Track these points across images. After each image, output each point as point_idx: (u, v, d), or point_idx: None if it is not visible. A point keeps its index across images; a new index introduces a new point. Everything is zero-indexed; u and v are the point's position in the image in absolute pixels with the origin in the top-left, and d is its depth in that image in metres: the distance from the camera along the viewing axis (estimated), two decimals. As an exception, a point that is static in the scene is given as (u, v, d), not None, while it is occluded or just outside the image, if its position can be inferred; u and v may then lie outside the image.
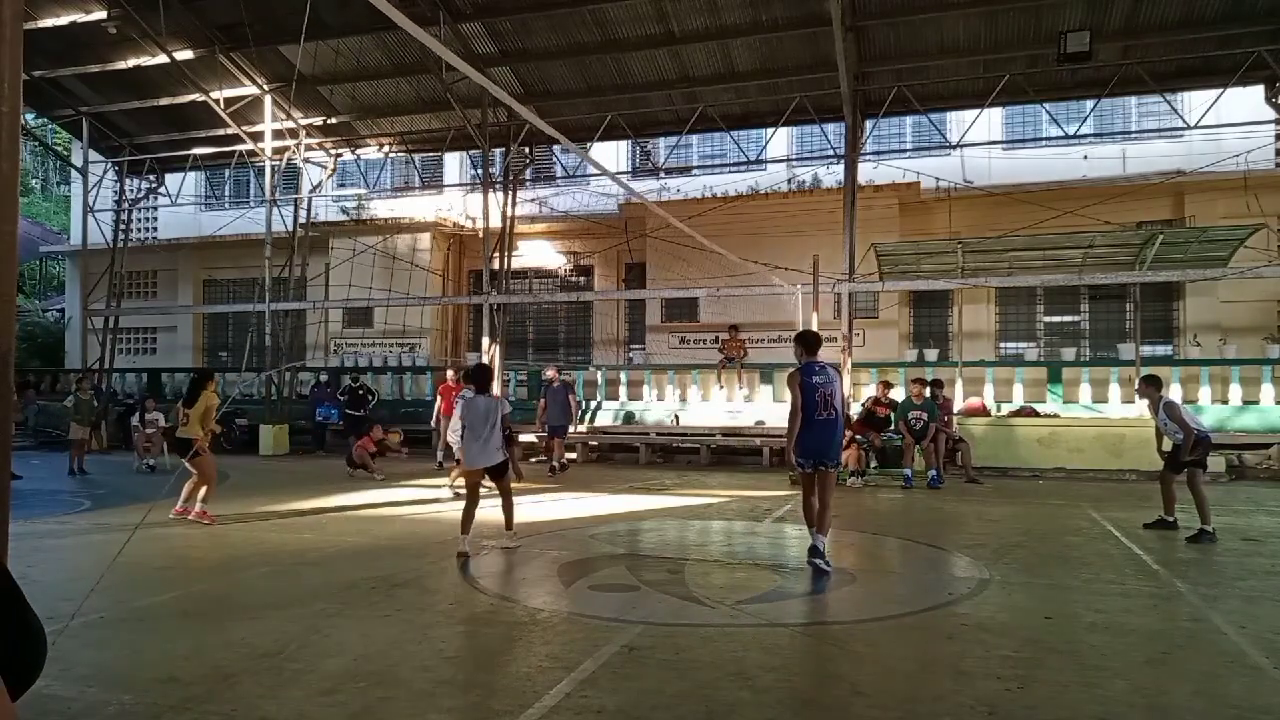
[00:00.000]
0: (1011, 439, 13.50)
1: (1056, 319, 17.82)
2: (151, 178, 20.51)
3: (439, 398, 13.95)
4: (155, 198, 21.30)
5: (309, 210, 19.52)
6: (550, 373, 13.96)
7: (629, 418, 16.70)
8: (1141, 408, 13.85)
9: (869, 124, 15.49)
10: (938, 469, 11.73)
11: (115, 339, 20.51)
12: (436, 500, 10.15)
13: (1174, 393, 13.15)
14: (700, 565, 6.40)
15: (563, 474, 12.96)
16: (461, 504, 7.20)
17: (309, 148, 18.80)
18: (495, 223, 17.26)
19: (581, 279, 21.06)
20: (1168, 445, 8.02)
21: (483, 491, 7.14)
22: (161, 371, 21.88)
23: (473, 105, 16.45)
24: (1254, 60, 13.12)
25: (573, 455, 14.98)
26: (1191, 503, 7.53)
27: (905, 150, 18.43)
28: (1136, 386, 8.39)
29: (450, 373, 15.38)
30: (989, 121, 16.32)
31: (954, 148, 15.54)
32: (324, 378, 18.59)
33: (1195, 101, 14.76)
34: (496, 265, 17.41)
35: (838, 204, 15.22)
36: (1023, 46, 14.13)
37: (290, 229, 18.71)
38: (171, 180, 20.60)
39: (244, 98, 17.35)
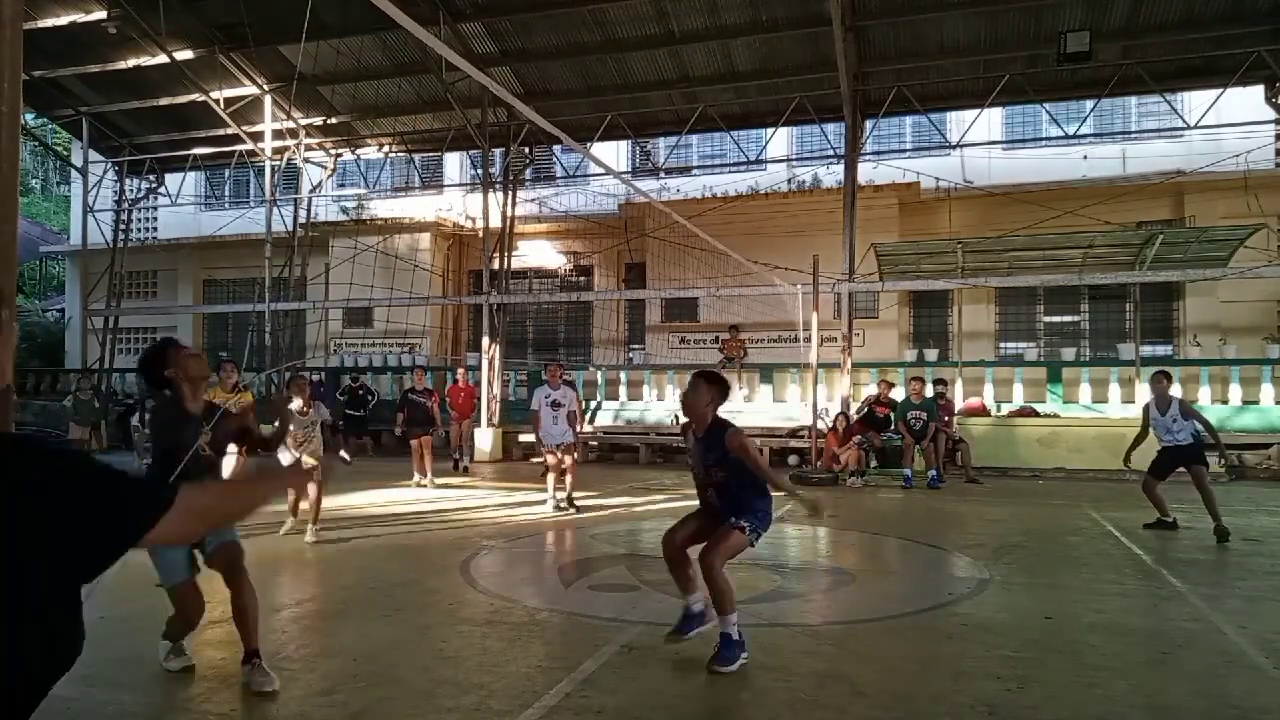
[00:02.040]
0: (1011, 439, 13.50)
1: (1056, 319, 17.81)
2: (151, 178, 20.51)
3: (448, 398, 13.93)
4: (155, 198, 21.29)
5: (309, 210, 19.51)
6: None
7: (629, 418, 16.70)
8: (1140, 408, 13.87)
9: (869, 124, 15.48)
10: (938, 469, 11.73)
11: (115, 339, 20.51)
12: (437, 500, 10.16)
13: (1175, 391, 13.17)
14: (700, 565, 6.39)
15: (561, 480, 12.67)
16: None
17: (309, 148, 18.80)
18: (495, 223, 17.26)
19: (581, 279, 21.05)
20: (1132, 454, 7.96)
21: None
22: (161, 371, 21.84)
23: (473, 105, 16.45)
24: (1254, 60, 13.12)
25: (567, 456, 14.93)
26: (1192, 502, 7.53)
27: (905, 150, 18.42)
28: (1156, 381, 8.04)
29: (461, 371, 15.38)
30: (989, 121, 16.32)
31: (954, 148, 15.54)
32: (316, 377, 18.58)
33: (1195, 101, 14.77)
34: (496, 265, 17.41)
35: (838, 204, 15.22)
36: (1023, 46, 14.14)
37: (290, 229, 18.70)
38: (171, 180, 20.60)
39: (244, 98, 17.36)
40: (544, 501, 9.34)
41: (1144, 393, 14.09)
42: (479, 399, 15.92)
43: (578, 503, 9.32)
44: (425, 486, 11.00)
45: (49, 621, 1.16)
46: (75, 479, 1.18)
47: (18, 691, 1.13)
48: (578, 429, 9.73)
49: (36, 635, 1.13)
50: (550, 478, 9.33)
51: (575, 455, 9.60)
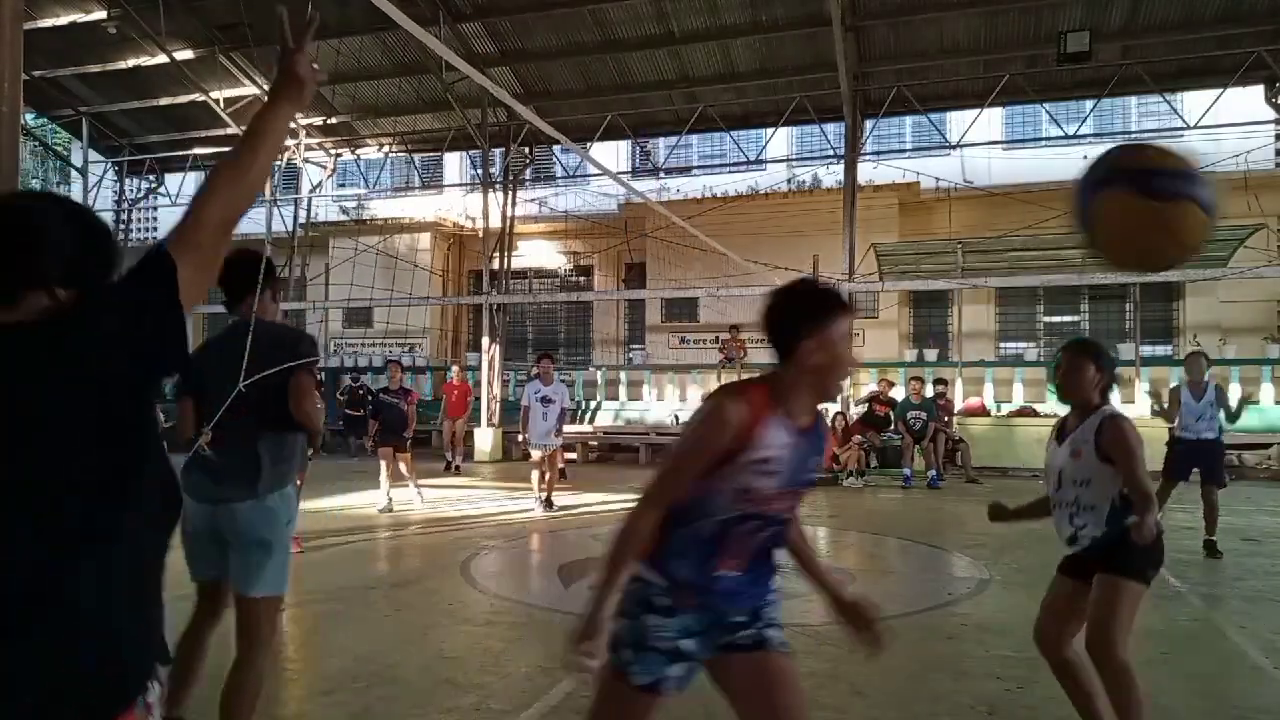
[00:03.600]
0: (1011, 439, 13.49)
1: (1056, 319, 17.81)
2: (151, 178, 20.52)
3: (444, 396, 13.90)
4: (155, 198, 21.30)
5: (309, 210, 19.51)
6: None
7: (629, 418, 16.70)
8: (1142, 408, 13.84)
9: (869, 124, 15.48)
10: (937, 469, 11.73)
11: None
12: (437, 501, 10.15)
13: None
14: (700, 565, 6.39)
15: (560, 478, 12.44)
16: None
17: (309, 148, 18.80)
18: (495, 223, 17.26)
19: (581, 279, 21.05)
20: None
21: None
22: (161, 371, 21.84)
23: (473, 105, 16.46)
24: (1254, 60, 13.12)
25: (572, 455, 14.95)
26: (1194, 502, 7.49)
27: (905, 150, 18.41)
28: (1194, 361, 7.45)
29: (455, 368, 15.37)
30: (989, 121, 16.31)
31: (954, 148, 15.54)
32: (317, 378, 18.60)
33: (1195, 101, 14.76)
34: (496, 265, 17.42)
35: (838, 204, 15.22)
36: (1023, 46, 14.13)
37: (290, 229, 18.70)
38: (171, 180, 20.61)
39: (244, 98, 17.35)
40: (533, 507, 9.10)
41: (1144, 392, 14.14)
42: (478, 398, 15.91)
43: (556, 501, 9.24)
44: (388, 511, 9.05)
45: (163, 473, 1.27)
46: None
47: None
48: (562, 429, 9.37)
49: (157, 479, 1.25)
50: (535, 476, 9.13)
51: (560, 457, 9.38)
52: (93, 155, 19.80)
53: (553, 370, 9.30)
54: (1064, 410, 3.53)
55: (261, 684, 2.84)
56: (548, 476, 9.15)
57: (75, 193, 22.30)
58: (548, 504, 9.12)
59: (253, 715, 2.79)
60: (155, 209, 24.24)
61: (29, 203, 1.23)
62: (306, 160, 18.95)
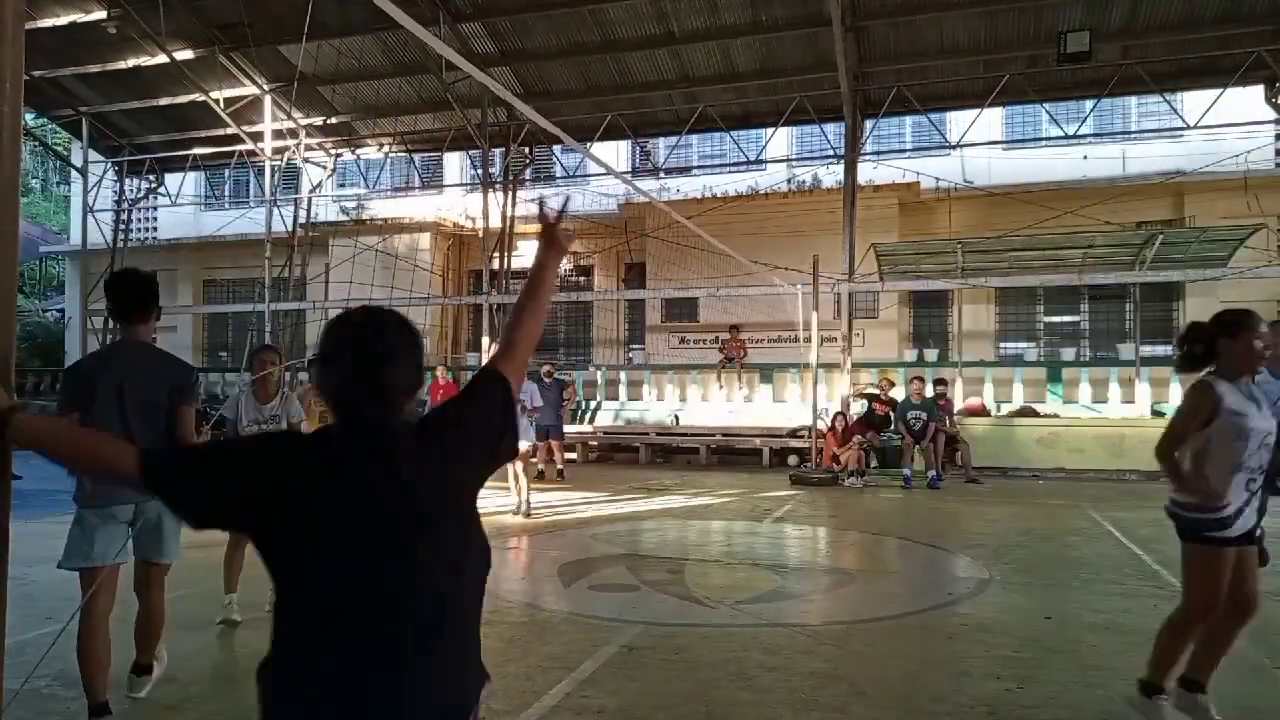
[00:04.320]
0: (1011, 439, 13.49)
1: (1056, 319, 17.81)
2: (151, 178, 20.52)
3: (429, 397, 13.89)
4: (155, 198, 21.30)
5: (309, 210, 19.50)
6: (545, 368, 12.95)
7: (629, 418, 16.70)
8: (1143, 408, 13.86)
9: (869, 124, 15.49)
10: (937, 469, 11.73)
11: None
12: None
13: (1174, 393, 13.16)
14: (700, 565, 6.40)
15: (559, 479, 12.25)
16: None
17: (309, 148, 18.80)
18: (495, 223, 17.26)
19: (581, 279, 21.05)
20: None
21: None
22: (161, 371, 21.82)
23: (473, 105, 16.47)
24: (1254, 60, 13.12)
25: (573, 455, 14.96)
26: None
27: (905, 150, 18.40)
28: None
29: (441, 369, 15.37)
30: (989, 122, 16.30)
31: (954, 148, 15.54)
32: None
33: (1195, 102, 14.76)
34: (496, 265, 17.42)
35: (838, 204, 15.22)
36: (1023, 46, 14.14)
37: (290, 229, 18.71)
38: (171, 180, 20.61)
39: (244, 98, 17.36)
40: (517, 509, 8.69)
41: (1144, 393, 14.14)
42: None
43: (540, 500, 9.01)
44: None
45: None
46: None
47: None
48: (523, 425, 8.75)
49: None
50: (510, 474, 8.77)
51: (532, 459, 9.23)
52: (93, 155, 19.80)
53: None
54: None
55: (164, 614, 3.62)
56: (522, 480, 8.74)
57: (75, 193, 22.30)
58: (525, 510, 8.64)
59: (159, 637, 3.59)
60: (155, 209, 24.23)
61: (396, 326, 1.59)
62: (306, 160, 18.95)
